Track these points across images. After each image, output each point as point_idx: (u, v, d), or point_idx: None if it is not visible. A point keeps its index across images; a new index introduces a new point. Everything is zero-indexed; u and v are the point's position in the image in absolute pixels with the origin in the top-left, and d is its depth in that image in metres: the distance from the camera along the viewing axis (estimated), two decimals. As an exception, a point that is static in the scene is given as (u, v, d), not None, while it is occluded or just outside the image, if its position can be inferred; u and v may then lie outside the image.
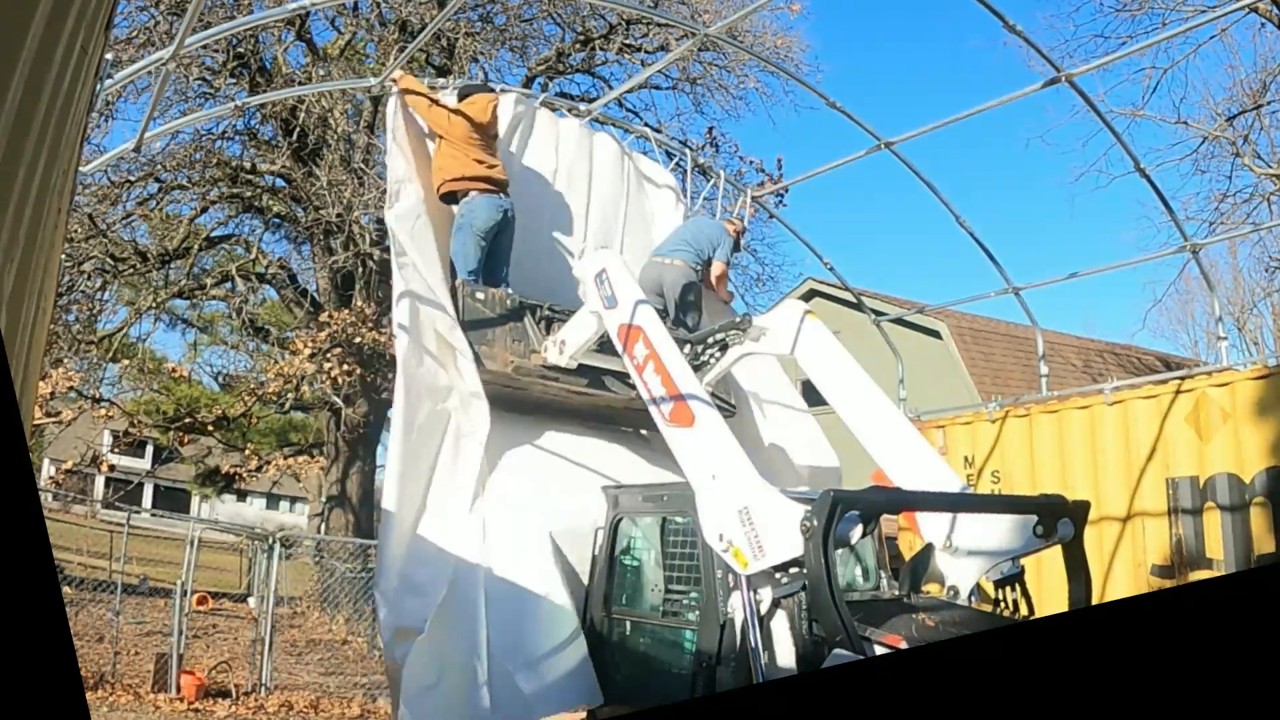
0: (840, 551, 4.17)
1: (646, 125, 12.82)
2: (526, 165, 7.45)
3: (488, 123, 6.69)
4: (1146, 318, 62.43)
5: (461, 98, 6.85)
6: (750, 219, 9.27)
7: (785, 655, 4.26)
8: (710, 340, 6.26)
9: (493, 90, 7.11)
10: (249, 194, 16.41)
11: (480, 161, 6.54)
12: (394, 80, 6.81)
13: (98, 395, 16.57)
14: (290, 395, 16.24)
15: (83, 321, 15.97)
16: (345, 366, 14.31)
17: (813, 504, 4.01)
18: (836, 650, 3.79)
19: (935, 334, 17.17)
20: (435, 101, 6.71)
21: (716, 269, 7.57)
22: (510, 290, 6.59)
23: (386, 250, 6.93)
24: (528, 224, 7.03)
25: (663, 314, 7.29)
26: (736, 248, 8.17)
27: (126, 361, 17.99)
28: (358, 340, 14.33)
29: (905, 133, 7.78)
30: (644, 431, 7.08)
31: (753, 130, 53.38)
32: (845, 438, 5.69)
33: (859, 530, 4.06)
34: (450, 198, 6.60)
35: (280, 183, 16.31)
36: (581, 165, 7.79)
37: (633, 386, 5.65)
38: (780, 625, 4.31)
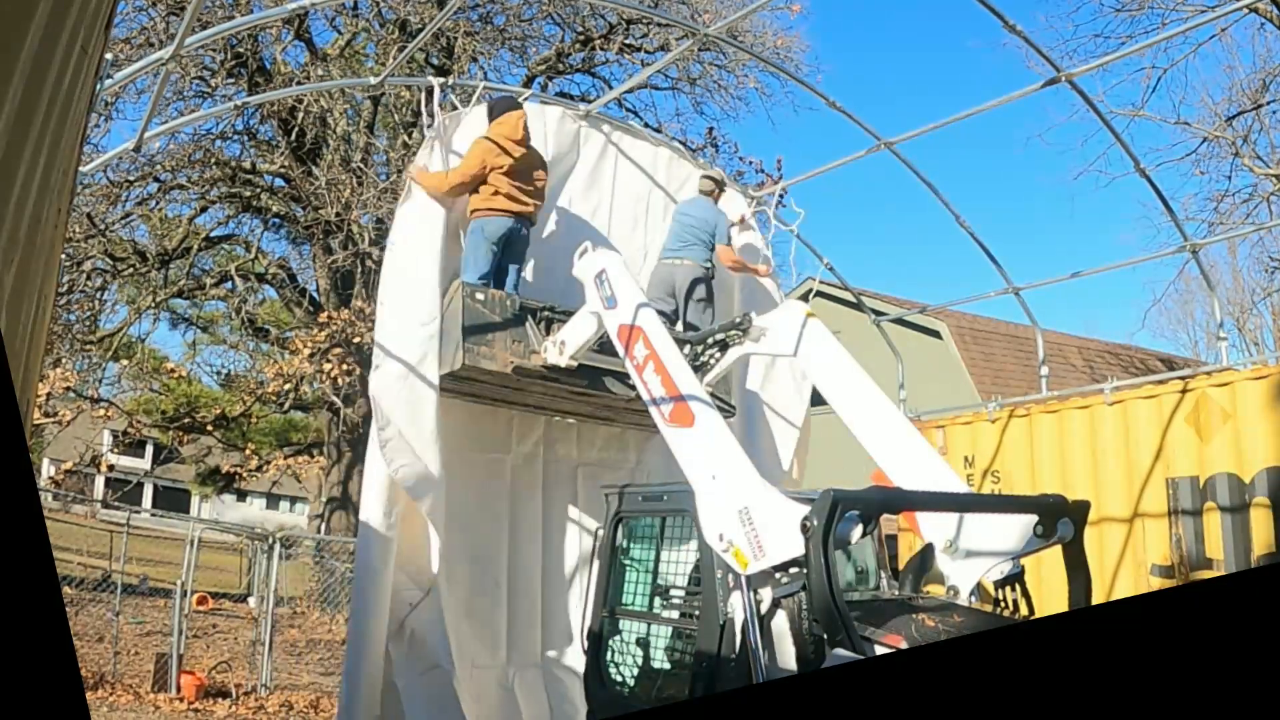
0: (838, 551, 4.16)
1: (646, 125, 12.82)
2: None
3: (520, 139, 6.66)
4: (1146, 318, 62.48)
5: (492, 116, 6.77)
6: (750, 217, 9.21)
7: (785, 655, 4.26)
8: (710, 340, 6.26)
9: (519, 106, 6.97)
10: (248, 194, 16.39)
11: (511, 196, 6.59)
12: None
13: (95, 395, 16.56)
14: (290, 395, 16.22)
15: (83, 321, 15.96)
16: (345, 366, 14.29)
17: (813, 504, 4.01)
18: (836, 650, 3.79)
19: (935, 334, 17.14)
20: (477, 176, 6.57)
21: (722, 255, 7.50)
22: (512, 292, 6.59)
23: (385, 249, 6.87)
24: (536, 229, 7.03)
25: (674, 315, 7.31)
26: (742, 222, 8.10)
27: (126, 361, 17.98)
28: (357, 340, 14.30)
29: (905, 133, 7.79)
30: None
31: (753, 130, 53.38)
32: (845, 438, 5.68)
33: (859, 530, 4.05)
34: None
35: (279, 182, 16.30)
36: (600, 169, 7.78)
37: (633, 386, 5.65)
38: (780, 625, 4.31)
